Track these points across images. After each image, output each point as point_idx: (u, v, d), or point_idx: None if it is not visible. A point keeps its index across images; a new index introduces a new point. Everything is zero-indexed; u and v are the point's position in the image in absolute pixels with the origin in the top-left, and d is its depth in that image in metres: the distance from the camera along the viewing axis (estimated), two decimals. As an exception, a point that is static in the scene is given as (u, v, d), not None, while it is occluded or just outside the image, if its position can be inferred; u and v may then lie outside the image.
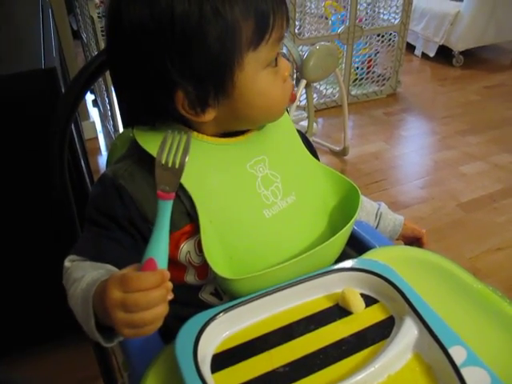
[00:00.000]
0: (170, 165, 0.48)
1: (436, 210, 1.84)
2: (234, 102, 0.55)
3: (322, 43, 1.91)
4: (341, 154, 2.17)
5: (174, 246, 0.56)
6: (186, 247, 0.57)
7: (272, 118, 0.61)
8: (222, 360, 0.47)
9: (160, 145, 0.49)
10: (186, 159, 0.49)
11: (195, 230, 0.56)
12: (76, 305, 0.51)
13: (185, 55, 0.51)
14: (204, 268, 0.55)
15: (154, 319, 0.44)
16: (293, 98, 0.62)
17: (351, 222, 0.58)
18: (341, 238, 0.58)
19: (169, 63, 0.52)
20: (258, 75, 0.55)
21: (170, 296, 0.45)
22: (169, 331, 0.49)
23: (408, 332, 0.48)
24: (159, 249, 0.46)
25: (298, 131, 0.68)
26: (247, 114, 0.58)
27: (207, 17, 0.50)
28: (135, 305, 0.43)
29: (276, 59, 0.56)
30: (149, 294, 0.43)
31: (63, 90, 0.95)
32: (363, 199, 0.78)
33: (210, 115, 0.56)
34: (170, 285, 0.44)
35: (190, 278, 0.59)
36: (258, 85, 0.55)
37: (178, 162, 0.49)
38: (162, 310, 0.44)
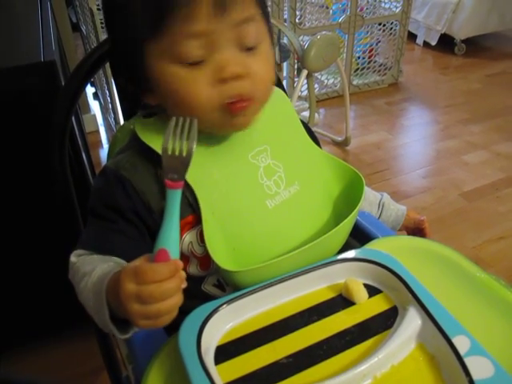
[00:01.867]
0: (177, 153, 0.48)
1: (438, 199, 1.83)
2: (158, 92, 0.54)
3: (323, 33, 1.90)
4: (343, 144, 2.17)
5: None
6: (188, 238, 0.57)
7: (210, 124, 0.54)
8: (226, 351, 0.47)
9: (166, 132, 0.48)
10: (194, 146, 0.48)
11: (197, 221, 0.56)
12: (87, 299, 0.51)
13: (112, 41, 0.57)
14: (206, 259, 0.55)
15: (170, 310, 0.44)
16: (239, 109, 0.53)
17: (355, 210, 0.58)
18: (345, 228, 0.58)
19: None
20: (167, 70, 0.51)
21: (184, 284, 0.45)
22: (172, 323, 0.49)
23: (411, 322, 0.48)
24: (170, 238, 0.46)
25: (301, 120, 0.67)
26: (176, 110, 0.53)
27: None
28: (150, 297, 0.43)
29: (206, 58, 0.50)
30: (163, 286, 0.43)
31: (63, 83, 0.95)
32: (366, 189, 0.78)
33: (149, 99, 0.57)
34: (183, 274, 0.45)
35: (193, 269, 0.59)
36: (167, 81, 0.51)
37: (185, 149, 0.48)
38: (176, 300, 0.44)
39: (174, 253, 0.45)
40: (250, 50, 0.52)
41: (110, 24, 0.56)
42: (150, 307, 0.43)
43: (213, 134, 0.58)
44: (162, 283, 0.43)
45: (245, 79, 0.51)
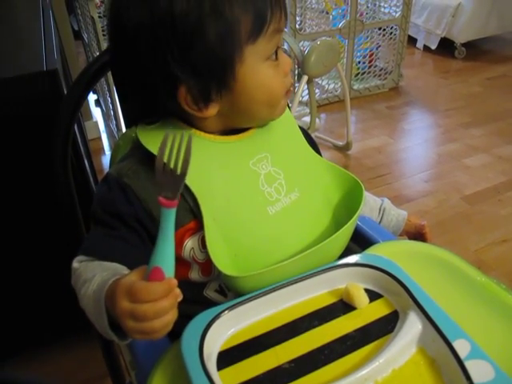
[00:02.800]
0: (171, 169, 0.46)
1: (440, 203, 1.83)
2: (236, 96, 0.56)
3: (323, 38, 1.91)
4: (344, 148, 2.17)
5: (178, 243, 0.57)
6: (190, 244, 0.57)
7: (273, 113, 0.61)
8: (228, 357, 0.47)
9: (159, 146, 0.47)
10: (188, 165, 0.46)
11: (199, 227, 0.56)
12: (88, 305, 0.51)
13: (186, 51, 0.52)
14: (208, 264, 0.56)
15: (164, 326, 0.45)
16: (289, 94, 0.64)
17: (355, 216, 0.58)
18: (345, 234, 0.58)
19: (170, 59, 0.52)
20: (259, 68, 0.56)
21: (180, 298, 0.45)
22: (174, 329, 0.50)
23: (412, 326, 0.48)
24: (165, 257, 0.45)
25: (300, 127, 0.68)
26: (249, 108, 0.58)
27: (206, 15, 0.51)
28: (144, 316, 0.43)
29: (276, 53, 0.57)
30: (157, 305, 0.43)
31: (65, 91, 0.95)
32: (366, 195, 0.79)
33: (213, 110, 0.56)
34: (177, 292, 0.45)
35: (195, 274, 0.59)
36: (258, 77, 0.56)
37: (179, 166, 0.46)
38: (171, 317, 0.45)
39: (168, 271, 0.45)
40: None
41: (191, 39, 0.52)
42: (145, 324, 0.44)
43: (215, 141, 0.58)
44: (155, 302, 0.43)
45: None
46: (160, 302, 0.43)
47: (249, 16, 0.52)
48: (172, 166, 0.46)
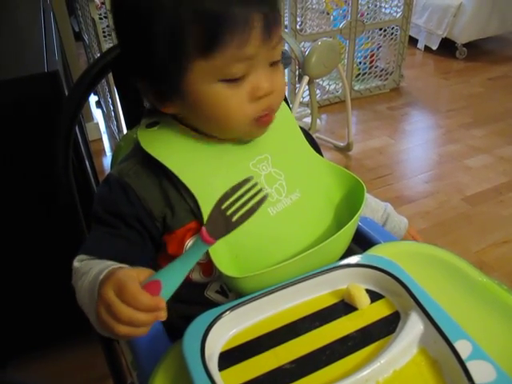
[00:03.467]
0: (228, 212, 0.46)
1: (441, 203, 1.83)
2: (191, 105, 0.55)
3: (324, 39, 1.91)
4: (345, 149, 2.17)
5: (179, 243, 0.57)
6: (191, 244, 0.57)
7: (237, 135, 0.58)
8: (229, 358, 0.47)
9: (233, 186, 0.47)
10: (245, 220, 0.46)
11: (200, 227, 0.56)
12: (84, 297, 0.52)
13: (140, 50, 0.54)
14: (209, 265, 0.56)
15: (127, 335, 0.45)
16: (267, 121, 0.58)
17: (356, 215, 0.58)
18: (346, 233, 0.58)
19: (134, 56, 0.56)
20: (211, 86, 0.53)
21: (162, 318, 0.44)
22: (176, 330, 0.50)
23: (413, 327, 0.48)
24: (173, 278, 0.45)
25: (301, 128, 0.68)
26: (205, 123, 0.57)
27: (153, 11, 0.51)
28: (117, 314, 0.43)
29: (245, 76, 0.53)
30: (134, 314, 0.43)
31: (66, 93, 0.96)
32: (368, 196, 0.78)
33: (170, 109, 0.57)
34: (162, 315, 0.44)
35: (196, 275, 0.59)
36: (209, 96, 0.53)
37: (236, 216, 0.46)
38: (139, 331, 0.45)
39: (166, 292, 0.44)
40: (274, 64, 0.56)
41: (144, 34, 0.53)
42: (112, 321, 0.44)
43: (215, 143, 0.58)
44: (134, 311, 0.43)
45: (273, 94, 0.55)
46: (138, 314, 0.43)
47: (199, 24, 0.49)
48: (231, 210, 0.46)
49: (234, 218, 0.46)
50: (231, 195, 0.46)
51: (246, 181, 0.48)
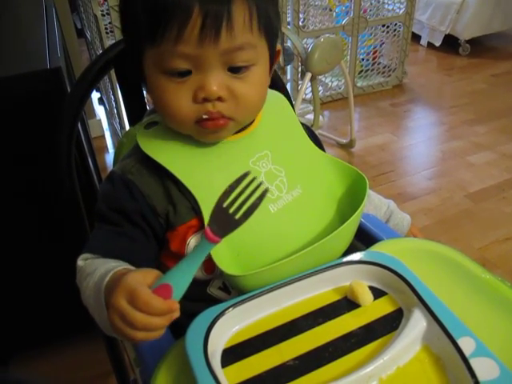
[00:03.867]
0: (231, 210, 0.46)
1: (444, 200, 1.83)
2: (151, 98, 0.57)
3: (327, 35, 1.90)
4: (347, 146, 2.17)
5: (181, 240, 0.57)
6: (193, 241, 0.57)
7: (190, 133, 0.57)
8: (232, 354, 0.47)
9: (231, 183, 0.46)
10: (249, 217, 0.46)
11: (201, 224, 0.56)
12: (89, 297, 0.52)
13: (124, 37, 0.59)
14: (211, 262, 0.55)
15: (144, 339, 0.45)
16: (211, 126, 0.54)
17: (359, 210, 0.58)
18: (349, 228, 0.58)
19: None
20: (157, 77, 0.53)
21: (176, 316, 0.44)
22: (178, 327, 0.50)
23: (417, 324, 0.48)
24: (181, 279, 0.45)
25: (302, 124, 0.67)
26: (161, 115, 0.58)
27: None
28: (132, 322, 0.43)
29: (186, 73, 0.52)
30: (149, 319, 0.43)
31: (69, 90, 0.96)
32: (371, 193, 0.78)
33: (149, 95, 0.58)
34: (175, 315, 0.44)
35: (198, 272, 0.59)
36: (155, 87, 0.54)
37: (239, 213, 0.46)
38: (156, 334, 0.45)
39: (177, 293, 0.44)
40: (238, 72, 0.53)
41: (122, 25, 0.58)
42: (128, 329, 0.44)
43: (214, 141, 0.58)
44: (148, 316, 0.43)
45: (227, 101, 0.53)
46: (153, 318, 0.43)
47: (146, 18, 0.51)
48: (234, 207, 0.46)
49: (238, 216, 0.46)
50: (231, 192, 0.46)
51: (244, 176, 0.47)
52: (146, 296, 0.43)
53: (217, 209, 0.46)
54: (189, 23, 0.48)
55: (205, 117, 0.53)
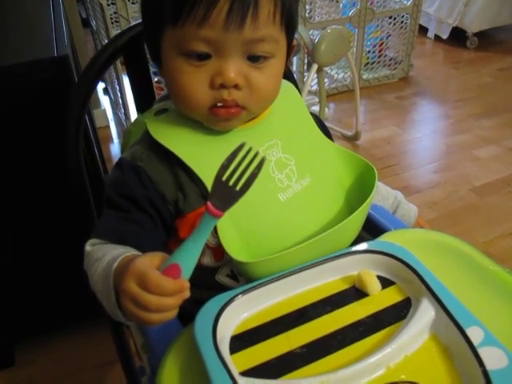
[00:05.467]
0: (230, 183, 0.45)
1: (449, 194, 1.82)
2: (166, 80, 0.57)
3: (333, 27, 1.89)
4: (353, 138, 2.16)
5: (191, 228, 0.57)
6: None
7: (200, 119, 0.57)
8: (241, 341, 0.48)
9: (228, 156, 0.46)
10: (250, 186, 0.45)
11: None
12: (97, 283, 0.52)
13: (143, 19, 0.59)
14: (220, 250, 0.56)
15: (160, 321, 0.45)
16: (223, 114, 0.54)
17: (368, 200, 0.58)
18: (357, 218, 0.58)
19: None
20: (175, 58, 0.53)
21: (187, 295, 0.44)
22: (187, 314, 0.50)
23: (425, 313, 0.48)
24: (188, 257, 0.45)
25: (311, 113, 0.67)
26: (173, 98, 0.58)
27: None
28: (145, 305, 0.43)
29: (205, 56, 0.52)
30: (161, 300, 0.43)
31: (76, 78, 0.95)
32: (379, 184, 0.78)
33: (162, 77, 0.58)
34: (187, 294, 0.44)
35: (207, 259, 0.59)
36: (172, 69, 0.54)
37: (241, 183, 0.45)
38: (170, 315, 0.45)
39: (186, 271, 0.44)
40: (257, 62, 0.53)
41: (142, 4, 0.58)
42: (142, 313, 0.44)
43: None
44: (162, 297, 0.43)
45: (243, 90, 0.53)
46: (166, 299, 0.43)
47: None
48: (233, 180, 0.45)
49: (238, 187, 0.45)
50: (229, 165, 0.45)
51: (240, 148, 0.46)
52: (156, 278, 0.43)
53: (216, 183, 0.45)
54: (216, 6, 0.48)
55: (219, 104, 0.54)
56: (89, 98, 0.72)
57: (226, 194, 0.45)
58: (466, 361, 0.44)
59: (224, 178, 0.45)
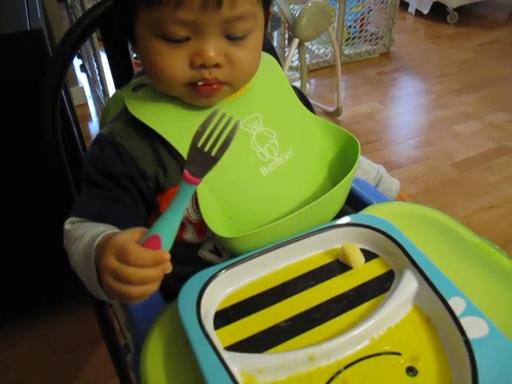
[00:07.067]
0: (206, 149, 0.45)
1: (430, 169, 1.84)
2: (141, 59, 0.56)
3: (314, 1, 1.86)
4: (334, 114, 2.16)
5: None
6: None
7: (179, 96, 0.56)
8: (225, 316, 0.47)
9: (202, 123, 0.45)
10: (226, 150, 0.45)
11: None
12: (78, 262, 0.51)
13: None
14: (202, 225, 0.55)
15: (141, 294, 0.44)
16: (205, 91, 0.54)
17: (351, 172, 0.57)
18: (341, 190, 0.58)
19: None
20: (151, 39, 0.52)
21: (168, 270, 0.44)
22: (170, 290, 0.50)
23: (408, 285, 0.48)
24: (168, 228, 0.44)
25: (293, 87, 0.66)
26: (149, 77, 0.57)
27: None
28: (126, 278, 0.43)
29: (189, 39, 0.51)
30: (142, 272, 0.43)
31: (51, 53, 0.92)
32: (361, 158, 0.78)
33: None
34: (168, 266, 0.44)
35: (189, 235, 0.59)
36: (148, 49, 0.53)
37: (216, 149, 0.45)
38: (151, 288, 0.44)
39: (166, 243, 0.44)
40: (237, 39, 0.53)
41: None
42: (123, 287, 0.43)
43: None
44: (141, 269, 0.43)
45: (225, 67, 0.53)
46: (146, 270, 0.43)
47: None
48: (208, 146, 0.45)
49: (213, 153, 0.45)
50: (203, 132, 0.45)
51: (213, 114, 0.46)
52: (135, 250, 0.42)
53: (192, 150, 0.45)
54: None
55: (200, 83, 0.53)
56: (65, 71, 0.69)
57: (202, 161, 0.44)
58: (448, 331, 0.45)
59: (199, 145, 0.45)
